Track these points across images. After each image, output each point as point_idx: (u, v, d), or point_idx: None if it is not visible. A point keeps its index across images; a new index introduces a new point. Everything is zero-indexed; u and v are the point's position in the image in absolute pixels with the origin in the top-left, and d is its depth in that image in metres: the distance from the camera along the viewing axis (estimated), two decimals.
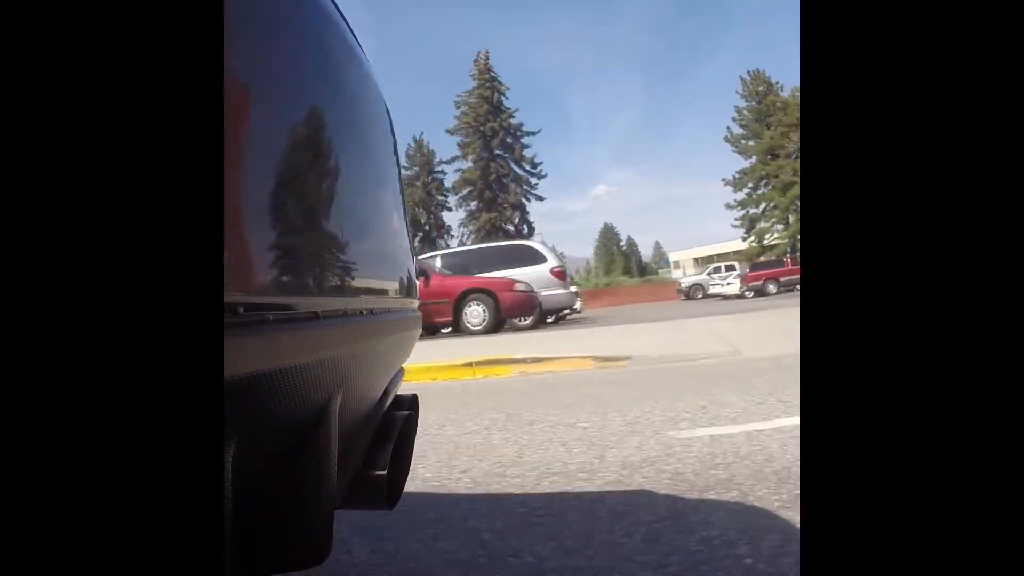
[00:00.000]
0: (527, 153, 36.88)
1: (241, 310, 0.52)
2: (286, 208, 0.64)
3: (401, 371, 1.30)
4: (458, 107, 37.31)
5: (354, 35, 1.04)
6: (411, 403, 1.18)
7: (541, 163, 38.83)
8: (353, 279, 0.84)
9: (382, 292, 1.01)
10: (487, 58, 37.13)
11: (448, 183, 39.14)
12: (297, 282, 0.65)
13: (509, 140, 36.67)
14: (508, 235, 33.60)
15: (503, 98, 36.52)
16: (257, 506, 0.65)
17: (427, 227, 39.32)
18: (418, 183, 39.07)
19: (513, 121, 36.91)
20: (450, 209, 37.36)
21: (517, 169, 37.32)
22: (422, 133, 45.70)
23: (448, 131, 37.10)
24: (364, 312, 0.88)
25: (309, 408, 0.68)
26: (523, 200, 37.07)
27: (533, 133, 37.31)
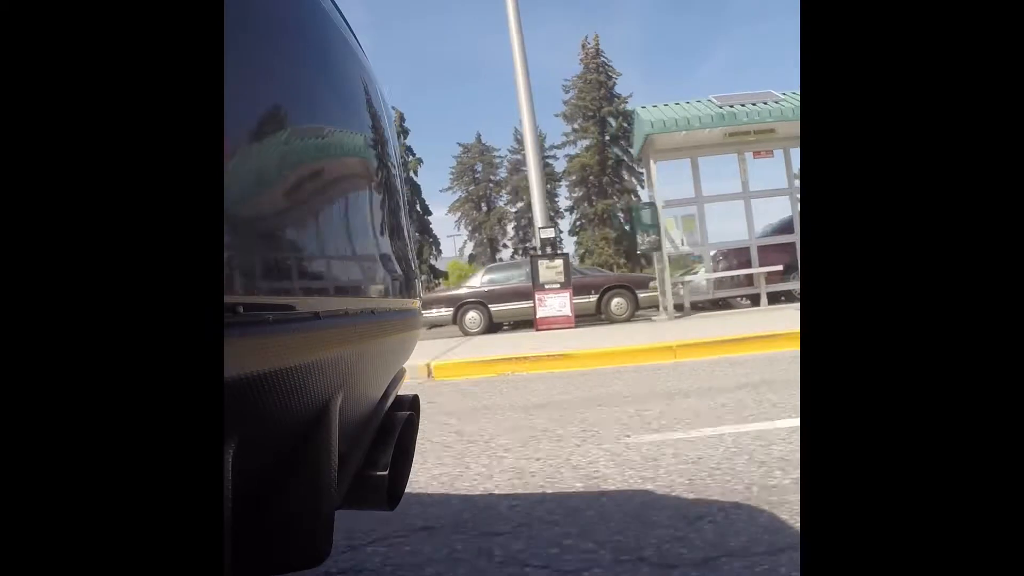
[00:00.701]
0: None
1: (241, 310, 0.52)
2: (286, 208, 0.64)
3: (402, 371, 1.30)
4: (567, 91, 36.46)
5: (354, 35, 1.04)
6: (412, 404, 1.18)
7: None
8: (353, 279, 0.84)
9: (382, 292, 1.01)
10: (598, 42, 36.22)
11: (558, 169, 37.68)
12: (297, 282, 0.65)
13: (626, 125, 35.69)
14: (621, 223, 32.57)
15: (615, 83, 35.78)
16: (257, 506, 0.65)
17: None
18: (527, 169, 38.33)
19: (627, 107, 35.89)
20: (556, 196, 36.33)
21: (626, 157, 36.25)
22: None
23: (563, 115, 35.96)
24: (364, 312, 0.88)
25: (309, 408, 0.68)
26: (637, 186, 36.01)
27: None
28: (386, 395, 1.11)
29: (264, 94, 0.63)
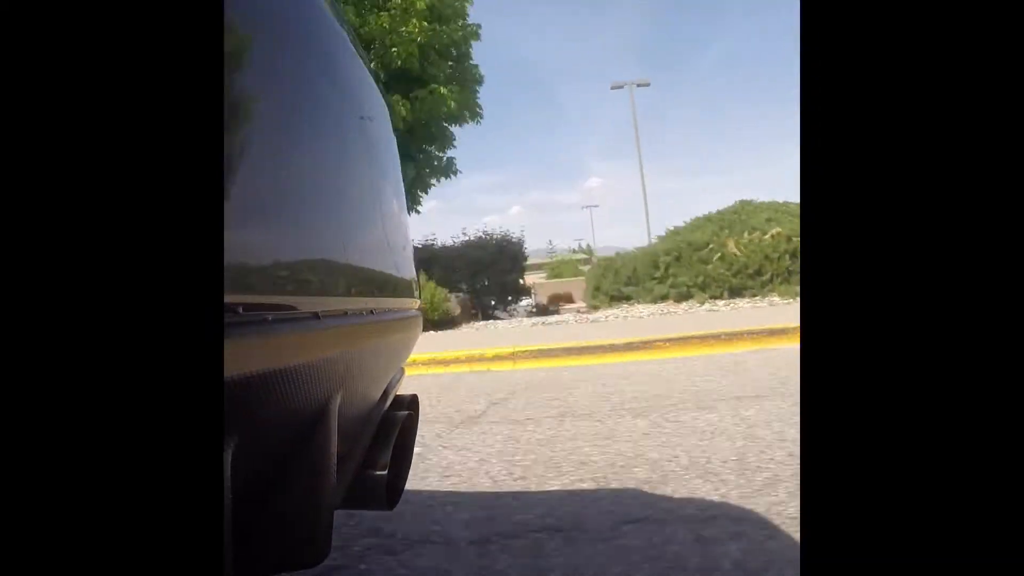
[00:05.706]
0: None
1: (241, 310, 0.52)
2: (286, 208, 0.64)
3: (401, 371, 1.30)
4: None
5: (351, 33, 1.04)
6: (411, 403, 1.18)
7: None
8: (353, 279, 0.84)
9: (382, 292, 1.01)
10: None
11: None
12: (297, 282, 0.65)
13: None
14: None
15: None
16: (257, 506, 0.65)
17: None
18: None
19: None
20: None
21: None
22: None
23: None
24: (364, 312, 0.88)
25: (309, 408, 0.68)
26: None
27: None
28: (385, 395, 1.12)
29: (264, 93, 0.63)
